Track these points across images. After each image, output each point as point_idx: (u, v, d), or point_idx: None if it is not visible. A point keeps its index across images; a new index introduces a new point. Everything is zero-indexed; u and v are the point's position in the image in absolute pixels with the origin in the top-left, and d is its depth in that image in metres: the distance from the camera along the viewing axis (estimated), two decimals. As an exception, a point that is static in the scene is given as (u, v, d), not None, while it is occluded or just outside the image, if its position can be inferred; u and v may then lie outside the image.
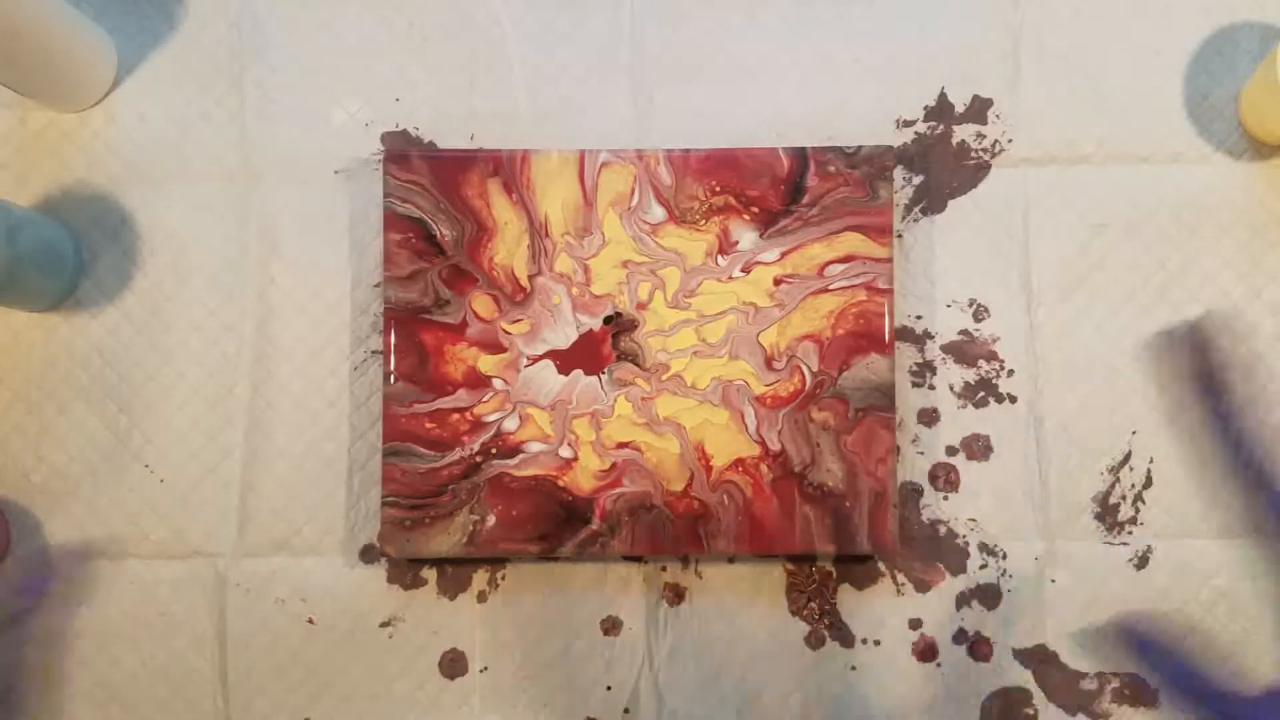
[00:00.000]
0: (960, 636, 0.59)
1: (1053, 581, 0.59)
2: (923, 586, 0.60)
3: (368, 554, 0.60)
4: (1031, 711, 0.59)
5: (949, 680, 0.59)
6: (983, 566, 0.60)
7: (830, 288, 0.58)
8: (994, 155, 0.61)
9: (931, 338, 0.61)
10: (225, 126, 0.62)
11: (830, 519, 0.57)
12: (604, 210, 0.59)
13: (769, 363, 0.58)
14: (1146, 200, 0.61)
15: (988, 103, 0.62)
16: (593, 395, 0.58)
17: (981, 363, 0.60)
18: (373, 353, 0.61)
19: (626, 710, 0.59)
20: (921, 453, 0.60)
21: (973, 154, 0.61)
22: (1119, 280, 0.60)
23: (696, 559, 0.60)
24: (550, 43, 0.62)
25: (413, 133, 0.62)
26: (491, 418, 0.58)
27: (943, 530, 0.60)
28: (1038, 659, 0.59)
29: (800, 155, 0.59)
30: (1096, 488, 0.60)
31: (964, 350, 0.61)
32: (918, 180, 0.61)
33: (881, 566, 0.60)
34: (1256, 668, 0.59)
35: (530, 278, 0.59)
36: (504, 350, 0.58)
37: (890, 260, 0.58)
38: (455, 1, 0.63)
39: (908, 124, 0.62)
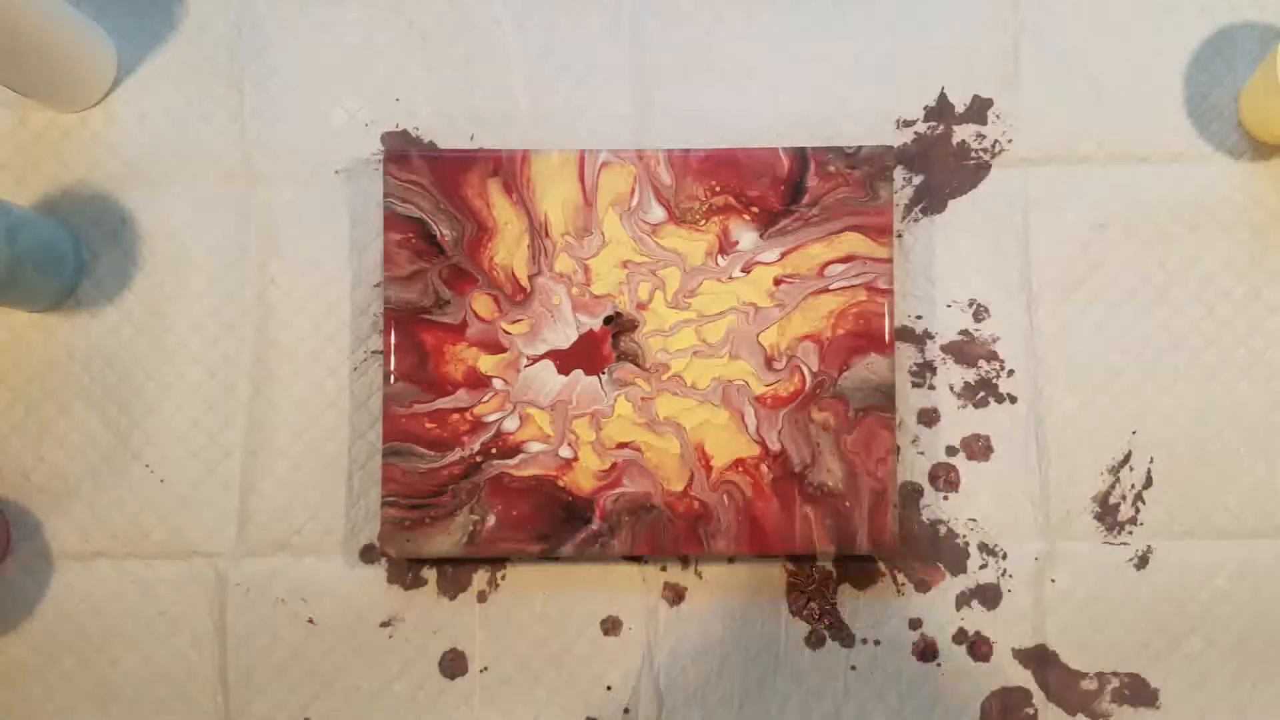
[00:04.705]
0: (960, 636, 0.59)
1: (1053, 581, 0.59)
2: (923, 586, 0.60)
3: (368, 554, 0.60)
4: (1031, 711, 0.59)
5: (949, 680, 0.59)
6: (983, 566, 0.60)
7: (830, 288, 0.58)
8: (994, 155, 0.61)
9: (931, 338, 0.61)
10: (225, 126, 0.62)
11: (830, 519, 0.57)
12: (604, 210, 0.59)
13: (769, 363, 0.58)
14: (1146, 200, 0.61)
15: (988, 103, 0.62)
16: (593, 395, 0.58)
17: (981, 363, 0.60)
18: (373, 353, 0.61)
19: (626, 710, 0.59)
20: (921, 453, 0.60)
21: (973, 154, 0.61)
22: (1119, 280, 0.60)
23: (696, 559, 0.60)
24: (550, 43, 0.62)
25: (413, 133, 0.62)
26: (491, 418, 0.58)
27: (943, 530, 0.60)
28: (1038, 659, 0.59)
29: (800, 155, 0.59)
30: (1096, 488, 0.60)
31: (964, 350, 0.61)
32: (918, 180, 0.61)
33: (881, 566, 0.60)
34: (1256, 668, 0.59)
35: (530, 278, 0.59)
36: (504, 350, 0.58)
37: (890, 260, 0.58)
38: (455, 1, 0.63)
39: (908, 124, 0.62)
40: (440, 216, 0.59)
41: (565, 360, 0.58)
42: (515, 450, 0.58)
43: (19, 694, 0.60)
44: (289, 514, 0.60)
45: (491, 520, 0.58)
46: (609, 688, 0.60)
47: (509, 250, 0.59)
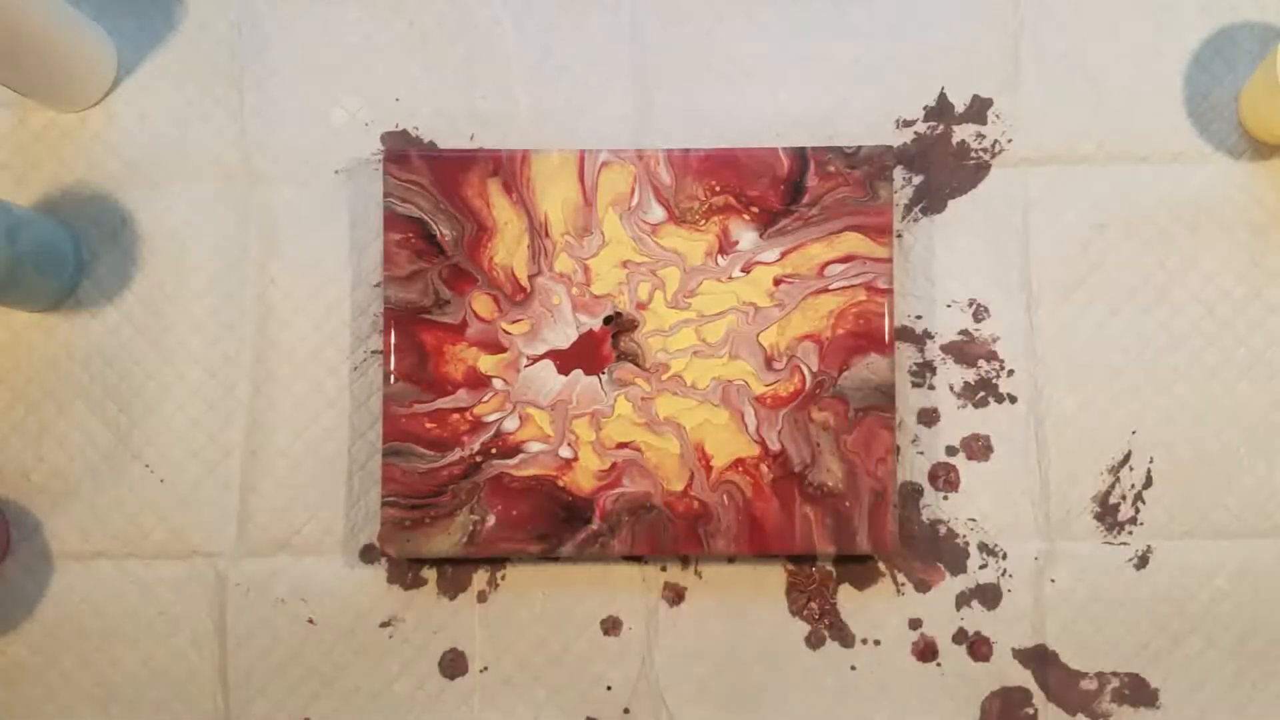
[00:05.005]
0: (960, 636, 0.59)
1: (1053, 581, 0.59)
2: (923, 586, 0.60)
3: (368, 554, 0.60)
4: (1031, 711, 0.59)
5: (949, 680, 0.59)
6: (983, 566, 0.60)
7: (830, 288, 0.58)
8: (994, 155, 0.61)
9: (931, 338, 0.61)
10: (225, 126, 0.62)
11: (830, 519, 0.57)
12: (604, 210, 0.59)
13: (769, 363, 0.58)
14: (1146, 200, 0.61)
15: (987, 103, 0.62)
16: (593, 395, 0.58)
17: (981, 363, 0.60)
18: (373, 353, 0.61)
19: (626, 710, 0.59)
20: (921, 453, 0.60)
21: (973, 154, 0.61)
22: (1119, 280, 0.60)
23: (696, 559, 0.60)
24: (550, 43, 0.62)
25: (413, 133, 0.62)
26: (491, 418, 0.58)
27: (943, 530, 0.60)
28: (1038, 659, 0.59)
29: (800, 155, 0.59)
30: (1096, 488, 0.60)
31: (964, 350, 0.61)
32: (918, 180, 0.61)
33: (881, 566, 0.60)
34: (1256, 668, 0.59)
35: (530, 278, 0.59)
36: (504, 350, 0.58)
37: (890, 260, 0.58)
38: (455, 1, 0.63)
39: (908, 124, 0.62)
40: (440, 216, 0.59)
41: (565, 360, 0.58)
42: (515, 450, 0.58)
43: (19, 694, 0.60)
44: (289, 514, 0.60)
45: (491, 520, 0.58)
46: (609, 688, 0.60)
47: (509, 250, 0.59)
